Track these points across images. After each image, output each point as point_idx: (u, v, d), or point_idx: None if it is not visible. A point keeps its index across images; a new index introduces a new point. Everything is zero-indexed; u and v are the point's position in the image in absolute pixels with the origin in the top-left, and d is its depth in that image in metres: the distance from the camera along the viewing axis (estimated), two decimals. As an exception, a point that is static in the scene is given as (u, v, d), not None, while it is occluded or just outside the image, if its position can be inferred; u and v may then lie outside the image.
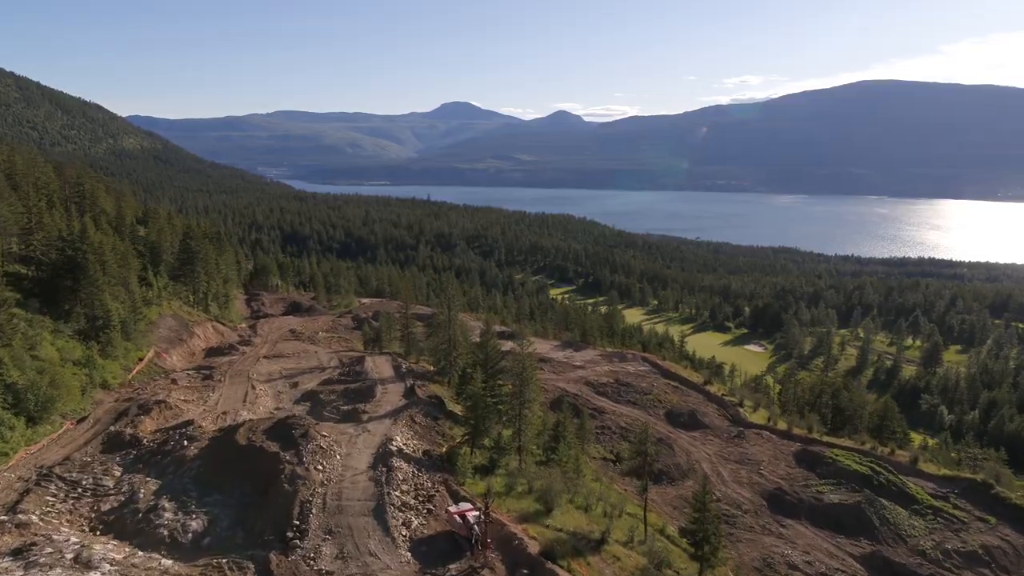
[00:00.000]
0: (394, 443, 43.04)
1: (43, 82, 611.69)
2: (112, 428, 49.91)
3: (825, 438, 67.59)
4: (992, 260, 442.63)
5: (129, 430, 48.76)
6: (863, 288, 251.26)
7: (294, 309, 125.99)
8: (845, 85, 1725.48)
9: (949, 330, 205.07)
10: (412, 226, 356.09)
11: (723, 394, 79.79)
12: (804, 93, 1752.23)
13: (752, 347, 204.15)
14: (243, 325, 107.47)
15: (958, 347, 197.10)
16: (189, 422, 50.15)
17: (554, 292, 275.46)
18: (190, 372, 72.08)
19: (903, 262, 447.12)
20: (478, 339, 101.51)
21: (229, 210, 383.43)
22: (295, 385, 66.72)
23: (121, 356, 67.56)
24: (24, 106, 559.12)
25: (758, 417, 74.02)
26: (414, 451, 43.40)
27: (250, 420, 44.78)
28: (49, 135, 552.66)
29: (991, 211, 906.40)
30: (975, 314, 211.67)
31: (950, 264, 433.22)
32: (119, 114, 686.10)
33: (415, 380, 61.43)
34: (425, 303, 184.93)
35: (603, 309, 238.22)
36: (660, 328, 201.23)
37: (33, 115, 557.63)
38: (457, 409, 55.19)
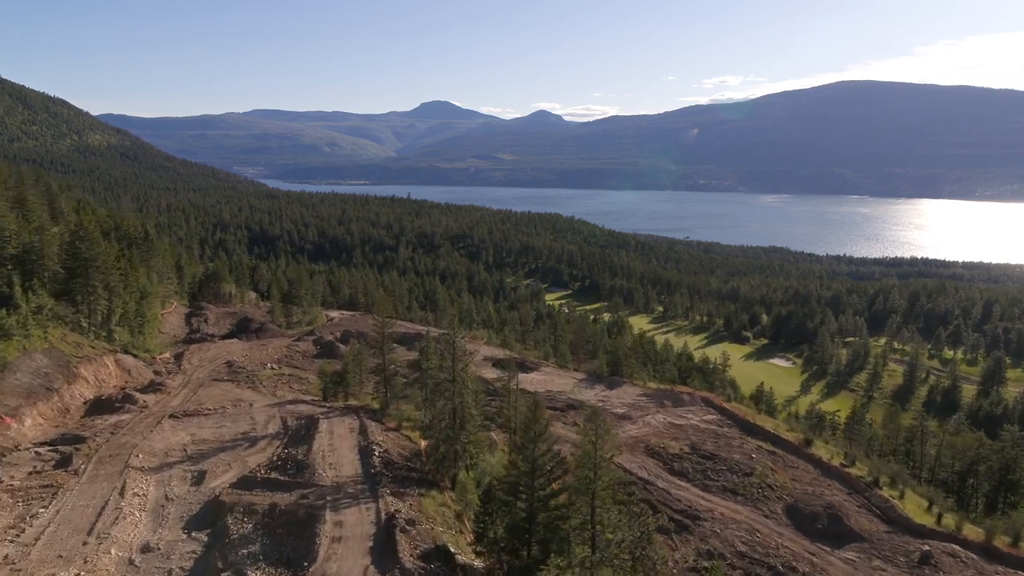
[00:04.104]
0: None
1: (4, 76, 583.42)
2: None
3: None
4: (985, 260, 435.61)
5: None
6: (888, 292, 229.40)
7: (241, 328, 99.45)
8: (824, 85, 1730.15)
9: (994, 341, 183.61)
10: (392, 225, 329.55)
11: (843, 464, 55.12)
12: (784, 93, 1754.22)
13: (778, 361, 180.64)
14: (166, 355, 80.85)
15: (1007, 360, 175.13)
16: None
17: (549, 297, 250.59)
18: (39, 451, 45.74)
19: (897, 262, 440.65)
20: (477, 366, 76.20)
21: (194, 208, 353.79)
22: (200, 479, 40.80)
23: (-88, 433, 41.21)
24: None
25: (912, 508, 49.49)
26: None
27: None
28: (8, 130, 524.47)
29: (970, 210, 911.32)
30: (1022, 322, 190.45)
31: (944, 264, 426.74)
32: (91, 112, 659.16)
33: (395, 492, 35.51)
34: (406, 311, 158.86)
35: (606, 317, 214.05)
36: (676, 341, 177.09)
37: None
38: (474, 560, 29.99)
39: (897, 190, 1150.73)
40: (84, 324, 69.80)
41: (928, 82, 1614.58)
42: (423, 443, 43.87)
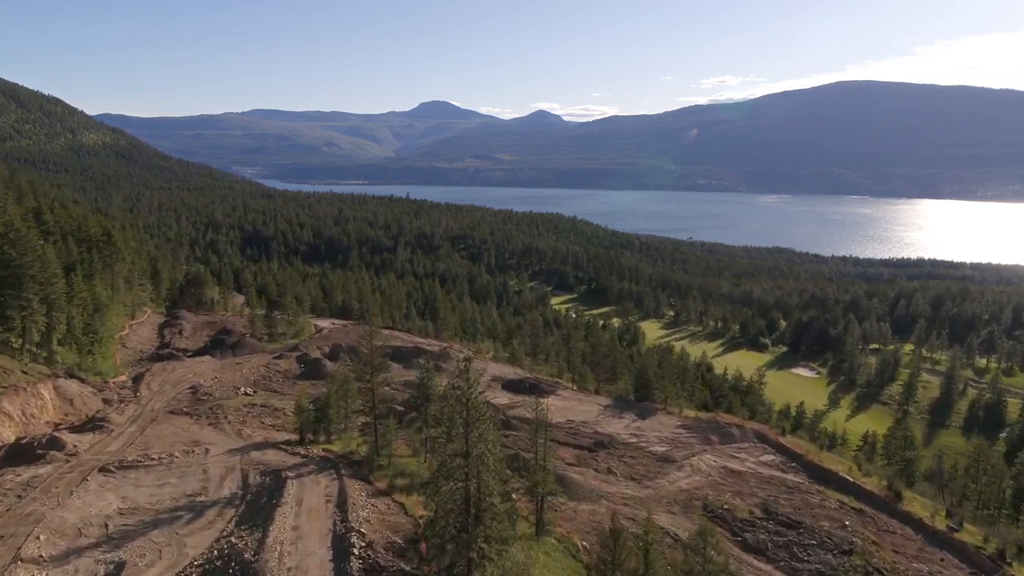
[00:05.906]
0: None
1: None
2: None
3: None
4: (994, 261, 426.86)
5: None
6: (910, 296, 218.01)
7: (216, 344, 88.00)
8: (823, 85, 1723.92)
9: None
10: (390, 226, 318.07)
11: (950, 527, 43.97)
12: (783, 93, 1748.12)
13: (801, 371, 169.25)
14: (123, 377, 69.46)
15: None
16: None
17: (554, 301, 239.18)
18: (-90, 528, 34.28)
19: (904, 263, 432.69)
20: (485, 387, 64.75)
21: (186, 208, 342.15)
22: (114, 577, 29.40)
23: None
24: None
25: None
26: None
27: None
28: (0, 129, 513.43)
29: (971, 211, 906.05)
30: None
31: (952, 265, 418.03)
32: (89, 112, 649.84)
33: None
34: (404, 319, 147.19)
35: (615, 322, 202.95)
36: (692, 349, 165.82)
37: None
38: None
39: (896, 190, 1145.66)
40: (16, 344, 58.41)
41: (927, 82, 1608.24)
42: (418, 517, 32.23)
